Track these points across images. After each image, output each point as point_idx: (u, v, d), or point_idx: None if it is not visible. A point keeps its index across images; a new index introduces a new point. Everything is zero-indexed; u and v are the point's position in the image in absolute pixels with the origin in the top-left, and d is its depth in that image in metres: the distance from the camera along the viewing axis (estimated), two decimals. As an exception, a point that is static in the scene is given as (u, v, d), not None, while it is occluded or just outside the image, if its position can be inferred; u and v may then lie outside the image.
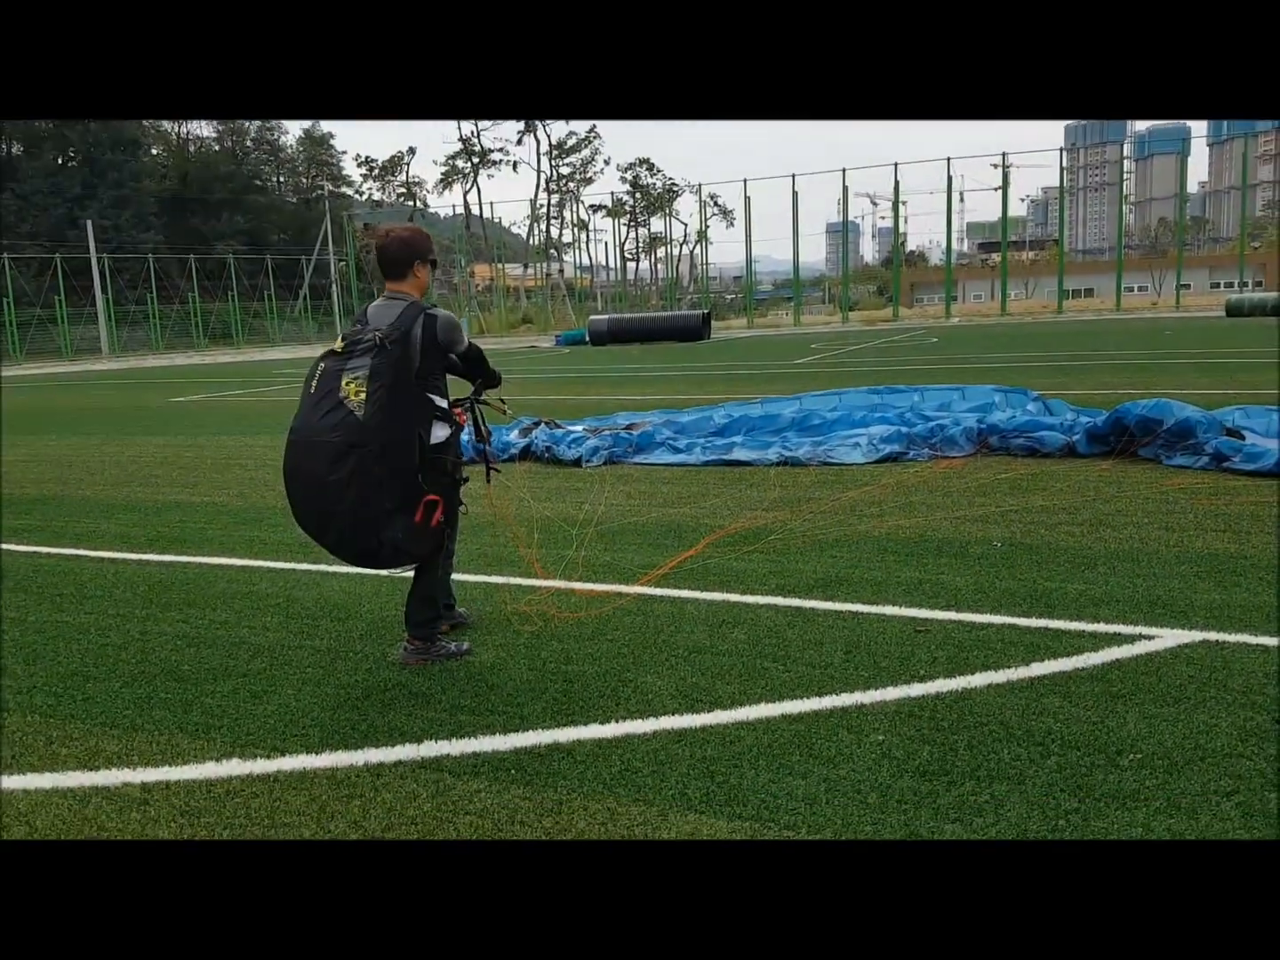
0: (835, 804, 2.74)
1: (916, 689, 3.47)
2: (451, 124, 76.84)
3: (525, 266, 67.85)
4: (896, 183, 45.13)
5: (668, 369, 20.93)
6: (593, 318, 39.54)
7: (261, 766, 3.12)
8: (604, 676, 3.70)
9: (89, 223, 49.20)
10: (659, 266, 76.55)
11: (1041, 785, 2.80)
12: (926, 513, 6.05)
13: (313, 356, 3.57)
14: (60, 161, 64.07)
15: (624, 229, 66.44)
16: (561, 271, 70.23)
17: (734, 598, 4.56)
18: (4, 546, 6.20)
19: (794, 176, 45.98)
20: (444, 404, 3.79)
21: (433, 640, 3.91)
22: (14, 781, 3.08)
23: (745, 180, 49.60)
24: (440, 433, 3.72)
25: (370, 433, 3.38)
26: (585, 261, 66.45)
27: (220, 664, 4.00)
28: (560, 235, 76.19)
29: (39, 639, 4.40)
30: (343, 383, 3.42)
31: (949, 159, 42.30)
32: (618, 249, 62.86)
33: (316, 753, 3.20)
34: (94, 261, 47.34)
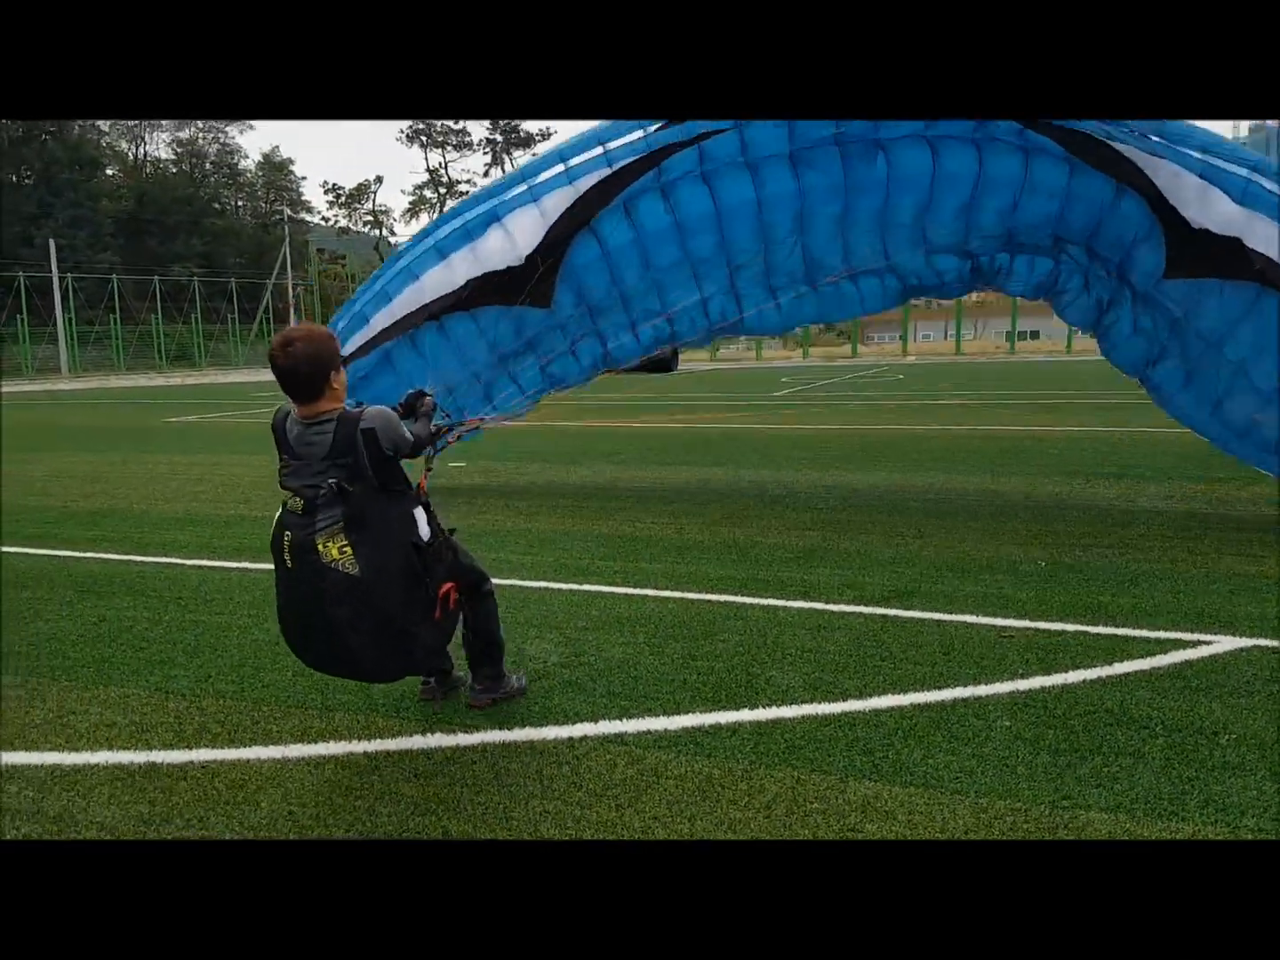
0: (990, 774, 3.19)
1: (1022, 684, 3.94)
2: (419, 154, 77.08)
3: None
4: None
5: (649, 400, 21.43)
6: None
7: (462, 739, 3.49)
8: (733, 671, 4.11)
9: (50, 241, 48.62)
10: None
11: (1159, 759, 3.26)
12: (965, 535, 6.57)
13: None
14: (15, 179, 63.27)
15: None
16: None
17: (819, 606, 5.01)
18: (92, 555, 6.45)
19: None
20: (410, 489, 3.44)
21: (501, 678, 3.84)
22: (253, 753, 3.43)
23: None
24: (424, 526, 3.37)
25: (372, 586, 3.11)
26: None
27: (372, 658, 4.35)
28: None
29: (188, 636, 4.70)
30: (318, 545, 3.09)
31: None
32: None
33: (508, 729, 3.58)
34: (55, 280, 46.78)
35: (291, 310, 60.33)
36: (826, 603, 5.06)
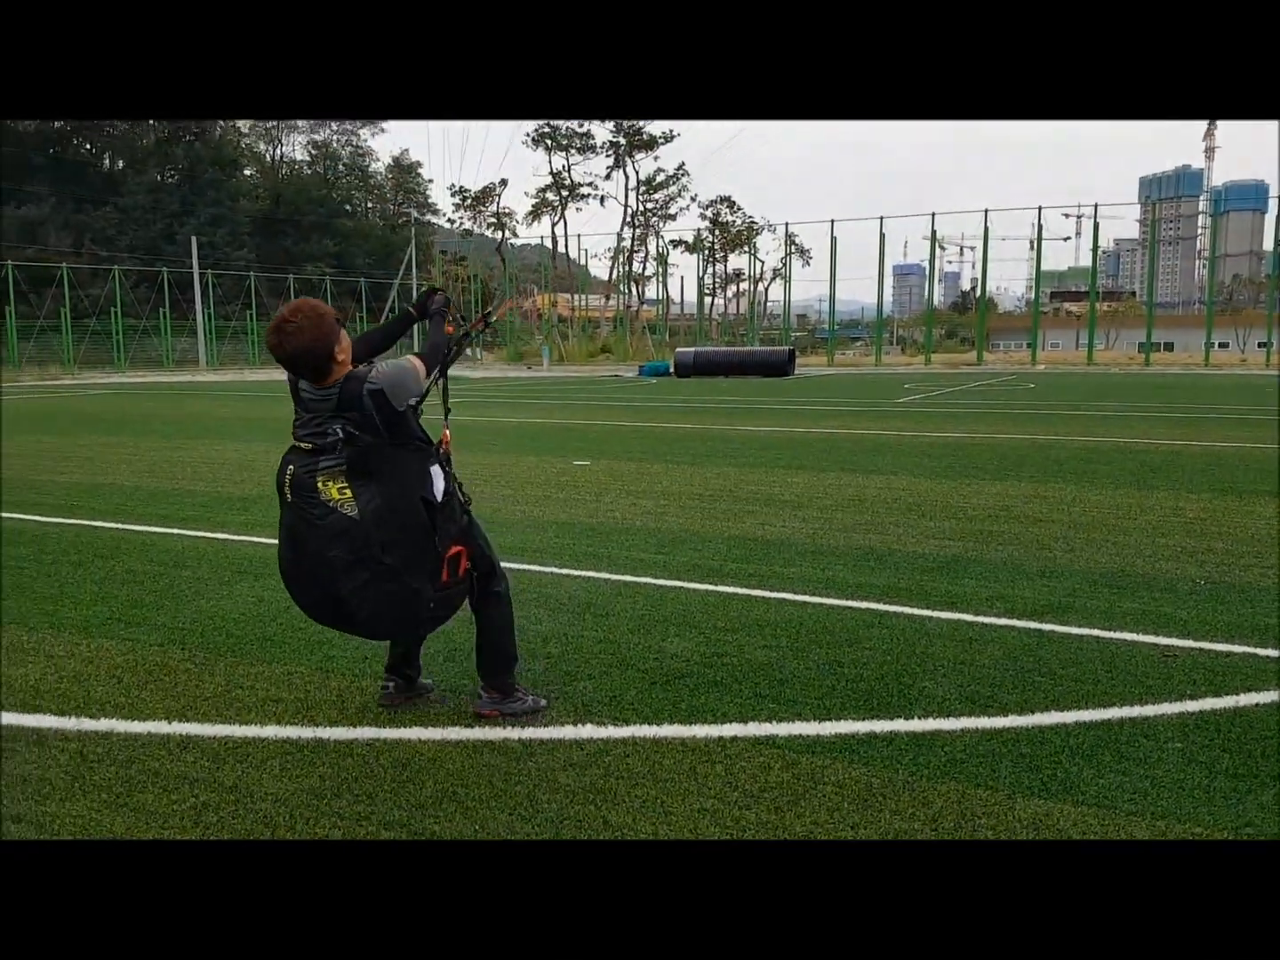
0: (1165, 797, 3.03)
1: (1191, 705, 3.74)
2: (544, 157, 78.51)
3: (606, 298, 69.02)
4: (986, 229, 45.20)
5: (767, 403, 21.28)
6: (679, 350, 40.15)
7: (613, 732, 3.49)
8: (883, 679, 4.02)
9: (193, 238, 51.03)
10: (733, 302, 77.32)
11: (1353, 791, 3.06)
12: (1116, 550, 6.30)
13: None
14: (161, 178, 66.63)
15: (703, 264, 67.29)
16: (642, 304, 71.28)
17: (967, 617, 4.86)
18: (246, 538, 6.71)
19: (881, 219, 46.33)
20: (429, 445, 3.38)
21: (509, 692, 3.65)
22: (414, 733, 3.50)
23: (833, 221, 50.01)
24: (439, 483, 3.32)
25: (370, 529, 3.07)
26: (662, 295, 67.25)
27: (523, 648, 4.40)
28: (643, 269, 77.35)
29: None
30: (319, 485, 3.07)
31: (1040, 208, 42.40)
32: (697, 284, 63.70)
33: (657, 724, 3.57)
34: (196, 276, 49.07)
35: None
36: (975, 615, 4.91)
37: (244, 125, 72.36)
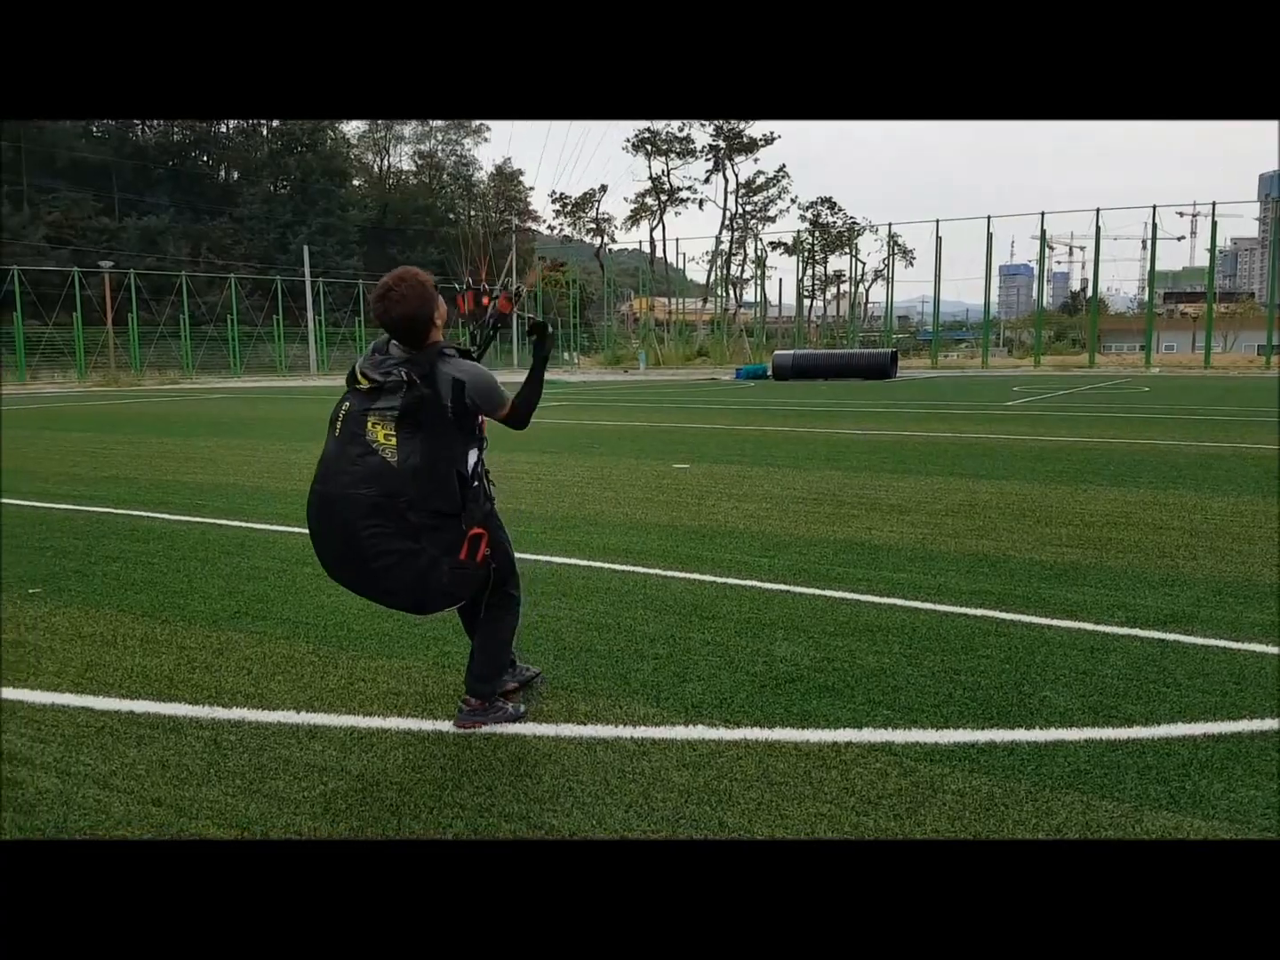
0: (1307, 815, 2.90)
1: (1336, 721, 3.57)
2: (643, 162, 78.84)
3: (704, 301, 69.01)
4: (1098, 229, 43.79)
5: (869, 405, 20.99)
6: (777, 352, 39.93)
7: (725, 734, 3.49)
8: (1001, 688, 3.93)
9: (305, 247, 52.76)
10: (832, 304, 76.46)
11: None
12: (1241, 559, 6.04)
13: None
14: (274, 189, 69.13)
15: (802, 266, 66.70)
16: (739, 307, 71.07)
17: (1088, 626, 4.72)
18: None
19: (989, 218, 45.29)
20: (476, 433, 3.45)
21: (492, 701, 3.59)
22: (529, 729, 3.56)
23: (938, 221, 49.06)
24: (471, 462, 3.39)
25: (404, 480, 3.13)
26: (760, 297, 66.90)
27: (631, 649, 4.43)
28: (741, 272, 77.10)
29: (456, 617, 4.94)
30: (368, 424, 3.16)
31: (1154, 206, 40.90)
32: (796, 286, 63.26)
33: (769, 728, 3.56)
34: (308, 284, 50.71)
35: (515, 316, 62.95)
36: (1096, 623, 4.76)
37: (353, 136, 74.55)
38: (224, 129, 71.27)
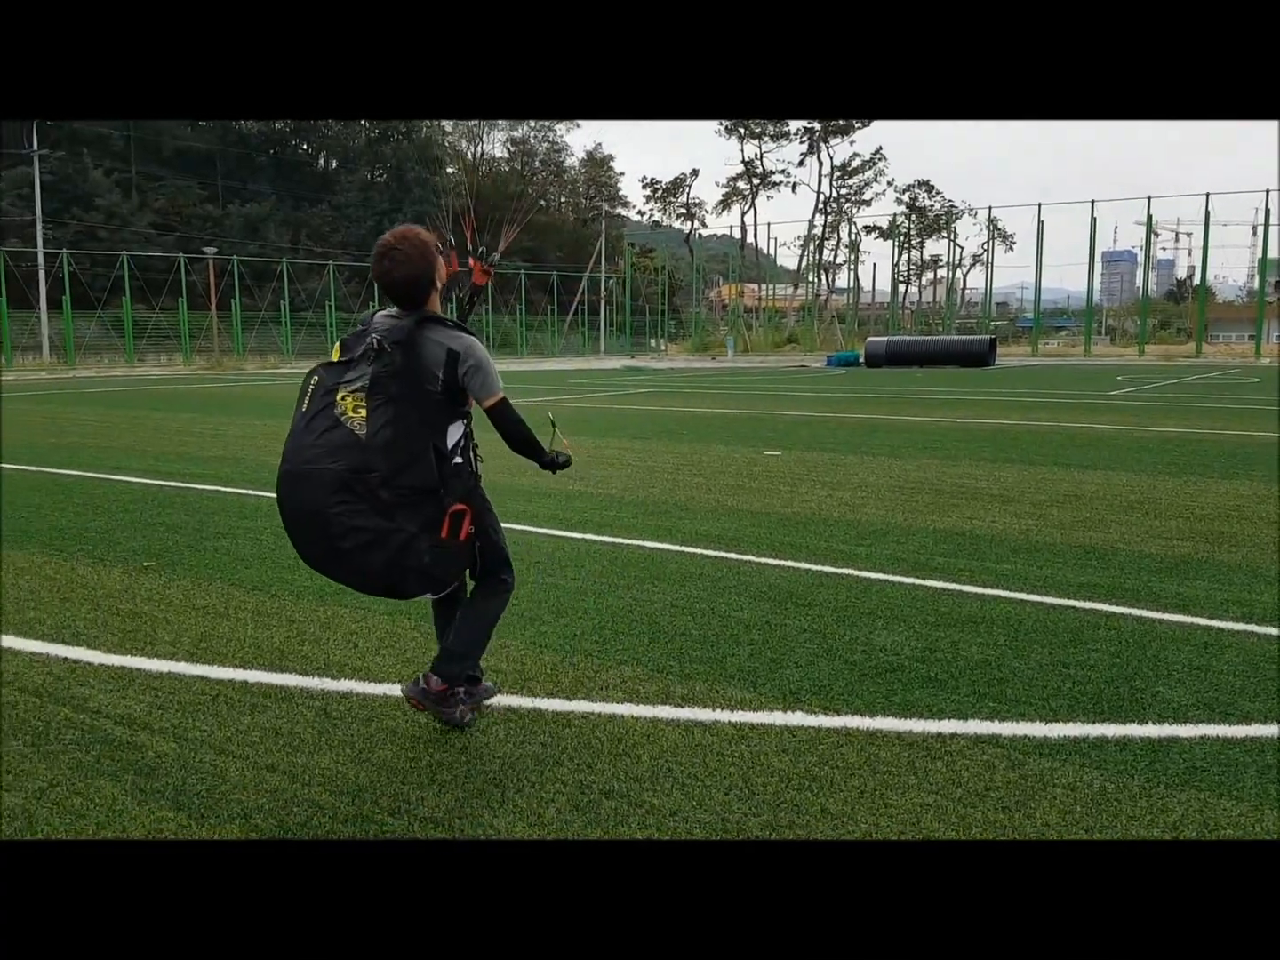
0: None
1: None
2: (735, 146, 78.28)
3: (794, 287, 68.27)
4: (1207, 214, 42.03)
5: (967, 393, 20.52)
6: (870, 339, 39.30)
7: (824, 721, 3.46)
8: (1112, 682, 3.81)
9: (401, 235, 53.76)
10: (928, 290, 74.92)
11: None
12: (1371, 557, 5.75)
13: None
14: (370, 177, 70.47)
15: (897, 251, 65.41)
16: (831, 292, 70.12)
17: (1202, 621, 4.54)
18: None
19: (1093, 203, 43.85)
20: (462, 408, 3.18)
21: (451, 688, 3.28)
22: (626, 709, 3.58)
23: (1039, 205, 47.66)
24: (452, 438, 3.14)
25: (375, 454, 2.88)
26: (852, 283, 65.88)
27: (726, 634, 4.42)
28: (834, 257, 76.02)
29: (550, 597, 5.00)
30: (338, 397, 2.93)
31: (1268, 191, 39.03)
32: (891, 271, 62.04)
33: (870, 715, 3.51)
34: (402, 271, 51.69)
35: (602, 302, 63.23)
36: (1210, 618, 4.58)
37: (448, 124, 75.56)
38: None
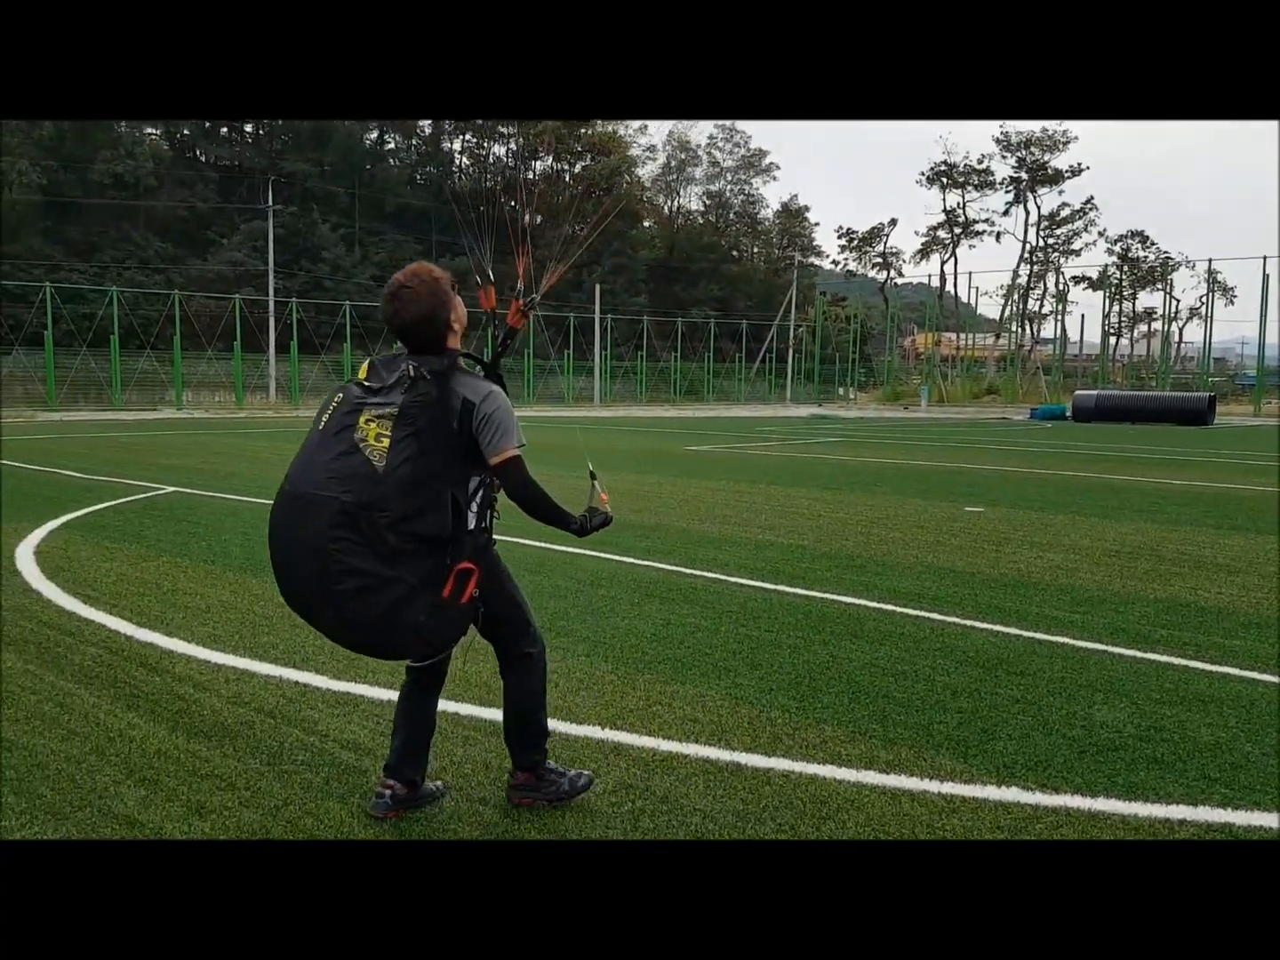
0: None
1: None
2: (937, 195, 77.09)
3: (996, 336, 65.98)
4: None
5: (1184, 453, 19.20)
6: (1079, 392, 37.46)
7: (1037, 798, 3.28)
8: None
9: (596, 286, 55.59)
10: (1139, 343, 70.87)
11: None
12: None
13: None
14: (573, 231, 73.24)
15: (1108, 302, 62.19)
16: (1036, 343, 67.44)
17: None
18: (648, 563, 7.13)
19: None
20: (483, 465, 2.91)
21: (541, 771, 3.19)
22: (828, 771, 3.52)
23: (1265, 258, 44.37)
24: (474, 484, 2.92)
25: (390, 491, 2.65)
26: (1059, 333, 63.04)
27: (931, 699, 4.28)
28: (1040, 306, 73.15)
29: (745, 648, 4.99)
30: (361, 420, 2.70)
31: None
32: (1102, 322, 58.97)
33: (1091, 795, 3.31)
34: (597, 321, 53.32)
35: (790, 350, 63.03)
36: None
37: (646, 179, 77.74)
38: (531, 175, 76.50)
